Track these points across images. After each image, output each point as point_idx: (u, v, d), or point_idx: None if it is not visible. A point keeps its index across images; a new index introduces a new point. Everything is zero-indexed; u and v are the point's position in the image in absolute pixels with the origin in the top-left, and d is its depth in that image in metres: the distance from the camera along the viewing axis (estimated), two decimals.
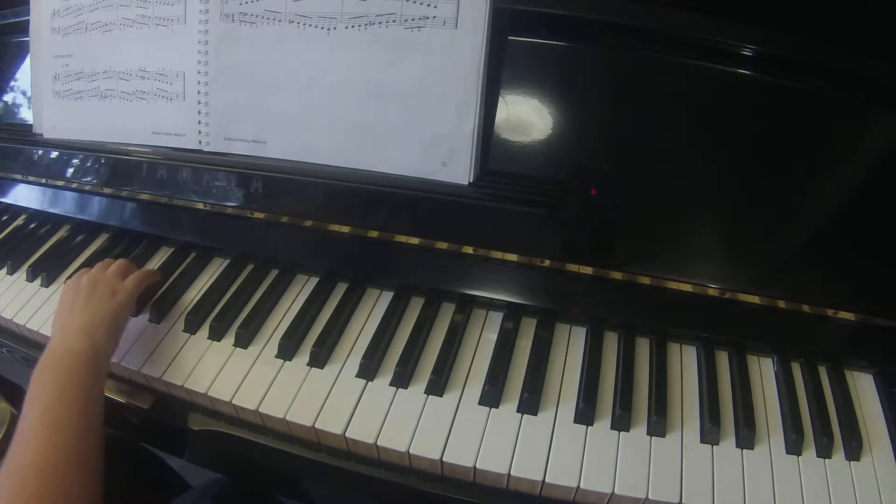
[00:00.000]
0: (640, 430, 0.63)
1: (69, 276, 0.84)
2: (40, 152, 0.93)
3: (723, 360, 0.70)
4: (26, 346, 0.81)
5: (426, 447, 0.61)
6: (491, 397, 0.65)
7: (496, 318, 0.74)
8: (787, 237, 0.67)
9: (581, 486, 0.58)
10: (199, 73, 0.79)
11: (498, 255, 0.72)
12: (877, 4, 0.68)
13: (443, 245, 0.74)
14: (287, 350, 0.71)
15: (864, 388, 0.68)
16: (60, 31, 0.88)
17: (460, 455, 0.61)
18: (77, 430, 0.58)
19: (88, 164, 0.89)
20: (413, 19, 0.68)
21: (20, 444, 0.56)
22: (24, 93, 0.99)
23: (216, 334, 0.74)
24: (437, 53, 0.68)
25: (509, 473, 0.59)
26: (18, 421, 0.59)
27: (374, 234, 0.76)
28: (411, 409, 0.65)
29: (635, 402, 0.64)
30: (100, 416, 0.62)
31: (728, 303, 0.68)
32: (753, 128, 0.67)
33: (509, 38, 0.69)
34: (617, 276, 0.70)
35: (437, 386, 0.66)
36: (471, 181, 0.71)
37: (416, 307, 0.76)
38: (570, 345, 0.71)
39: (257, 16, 0.74)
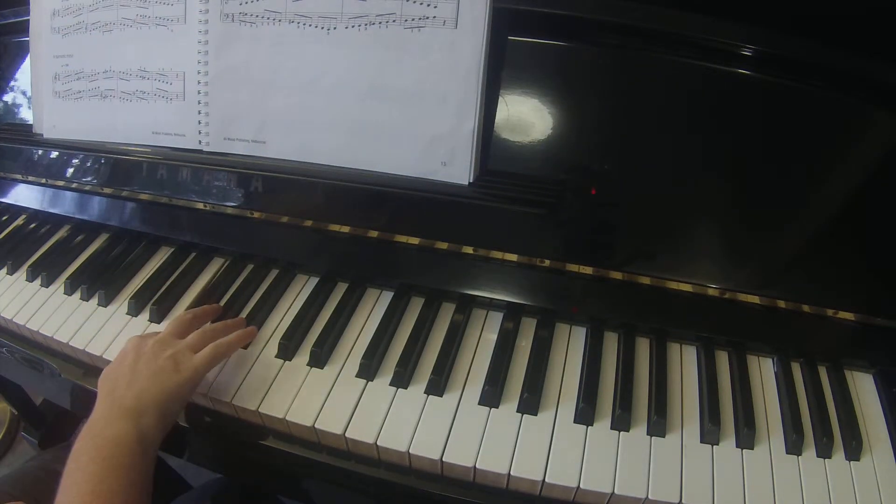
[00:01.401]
0: (640, 430, 0.63)
1: (69, 276, 0.84)
2: (40, 152, 0.93)
3: (723, 360, 0.70)
4: (26, 346, 0.81)
5: (426, 447, 0.61)
6: (491, 397, 0.65)
7: (496, 318, 0.74)
8: (786, 237, 0.67)
9: (581, 486, 0.58)
10: (199, 73, 0.79)
11: (498, 255, 0.72)
12: (877, 4, 0.68)
13: (443, 245, 0.74)
14: (287, 350, 0.71)
15: (864, 388, 0.68)
16: (60, 31, 0.88)
17: (460, 455, 0.61)
18: None
19: (88, 164, 0.89)
20: (413, 19, 0.68)
21: None
22: (24, 93, 0.99)
23: None
24: (436, 53, 0.68)
25: (509, 473, 0.59)
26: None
27: (374, 233, 0.76)
28: (411, 409, 0.65)
29: (635, 402, 0.64)
30: (145, 500, 0.57)
31: (728, 303, 0.68)
32: (753, 128, 0.67)
33: (509, 38, 0.69)
34: (617, 276, 0.70)
35: (437, 386, 0.66)
36: (471, 181, 0.71)
37: (416, 307, 0.76)
38: (570, 345, 0.71)
39: (257, 16, 0.74)
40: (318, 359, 0.70)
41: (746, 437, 0.61)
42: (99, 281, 0.82)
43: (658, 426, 0.62)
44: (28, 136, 0.94)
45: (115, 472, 0.55)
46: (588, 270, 0.70)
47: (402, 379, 0.67)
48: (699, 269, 0.68)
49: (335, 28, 0.71)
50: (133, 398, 0.59)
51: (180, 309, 0.79)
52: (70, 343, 0.76)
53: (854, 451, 0.61)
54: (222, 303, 0.78)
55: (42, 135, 0.93)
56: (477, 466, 0.60)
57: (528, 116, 0.70)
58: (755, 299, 0.68)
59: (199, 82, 0.79)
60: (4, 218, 1.00)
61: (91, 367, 0.77)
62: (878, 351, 0.68)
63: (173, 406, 0.62)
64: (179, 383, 0.62)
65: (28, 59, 0.95)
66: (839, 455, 0.61)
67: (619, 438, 0.62)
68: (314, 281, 0.81)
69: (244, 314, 0.76)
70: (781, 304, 0.67)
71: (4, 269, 0.89)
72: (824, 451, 0.61)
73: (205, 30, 0.77)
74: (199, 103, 0.80)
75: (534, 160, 0.71)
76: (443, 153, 0.71)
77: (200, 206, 0.83)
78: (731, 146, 0.67)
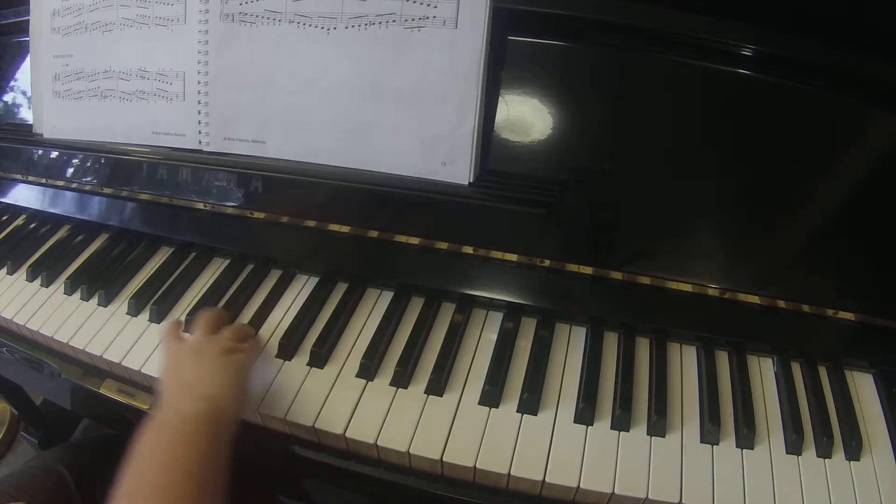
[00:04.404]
0: (640, 430, 0.63)
1: (69, 276, 0.84)
2: (40, 152, 0.93)
3: (723, 360, 0.70)
4: (26, 346, 0.81)
5: (426, 447, 0.61)
6: (491, 397, 0.65)
7: (496, 318, 0.74)
8: (786, 237, 0.67)
9: (581, 485, 0.58)
10: (199, 73, 0.79)
11: (498, 254, 0.72)
12: (877, 4, 0.68)
13: (443, 245, 0.74)
14: (287, 350, 0.71)
15: (864, 388, 0.68)
16: (60, 31, 0.88)
17: (460, 455, 0.61)
18: None
19: (88, 164, 0.89)
20: (413, 19, 0.68)
21: None
22: (24, 93, 0.99)
23: None
24: (437, 53, 0.68)
25: (509, 473, 0.59)
26: (114, 491, 0.51)
27: (374, 233, 0.76)
28: (411, 409, 0.65)
29: (635, 402, 0.64)
30: (218, 479, 0.53)
31: (728, 303, 0.68)
32: (753, 127, 0.67)
33: (509, 38, 0.69)
34: (617, 276, 0.69)
35: (437, 386, 0.66)
36: (471, 181, 0.71)
37: (416, 307, 0.76)
38: (570, 345, 0.71)
39: (257, 16, 0.74)
40: (318, 359, 0.70)
41: (746, 436, 0.61)
42: (99, 281, 0.82)
43: (658, 426, 0.62)
44: (28, 136, 0.94)
45: (181, 442, 0.53)
46: (588, 270, 0.70)
47: (402, 379, 0.67)
48: (699, 269, 0.68)
49: (335, 28, 0.71)
50: (197, 382, 0.60)
51: (180, 309, 0.79)
52: (70, 343, 0.76)
53: (854, 451, 0.61)
54: (222, 303, 0.78)
55: (42, 135, 0.93)
56: (477, 466, 0.60)
57: (528, 116, 0.70)
58: (755, 299, 0.68)
59: (199, 82, 0.79)
60: (4, 218, 1.00)
61: (91, 367, 0.77)
62: (878, 351, 0.68)
63: (240, 383, 0.63)
64: (238, 364, 0.63)
65: (28, 59, 0.95)
66: (839, 455, 0.61)
67: (619, 438, 0.62)
68: (314, 281, 0.81)
69: (244, 314, 0.76)
70: (781, 304, 0.67)
71: (4, 269, 0.89)
72: (824, 451, 0.61)
73: (205, 30, 0.77)
74: (199, 103, 0.80)
75: (534, 160, 0.71)
76: (443, 153, 0.71)
77: (200, 206, 0.83)
78: (730, 146, 0.67)
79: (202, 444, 0.54)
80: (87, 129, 0.89)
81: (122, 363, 0.72)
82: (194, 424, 0.55)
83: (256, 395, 0.67)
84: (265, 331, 0.74)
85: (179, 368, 0.64)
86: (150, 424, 0.56)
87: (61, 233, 0.95)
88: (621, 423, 0.63)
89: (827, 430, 0.62)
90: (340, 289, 0.79)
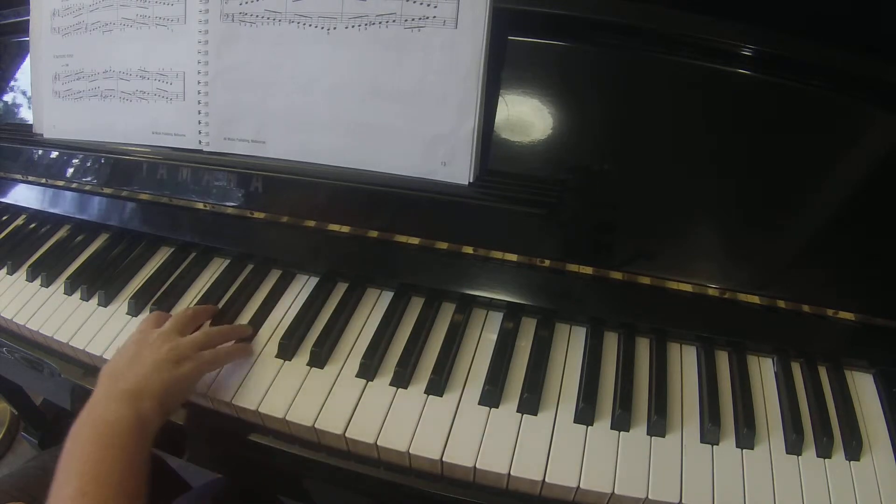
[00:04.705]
0: (640, 430, 0.63)
1: (69, 276, 0.84)
2: (40, 152, 0.93)
3: (723, 360, 0.70)
4: (26, 346, 0.81)
5: (426, 447, 0.61)
6: (491, 397, 0.65)
7: (496, 318, 0.74)
8: (787, 237, 0.67)
9: (581, 485, 0.58)
10: (199, 73, 0.79)
11: (498, 254, 0.72)
12: (876, 4, 0.68)
13: (443, 245, 0.74)
14: (287, 350, 0.71)
15: (864, 388, 0.68)
16: (60, 31, 0.88)
17: (460, 455, 0.61)
18: None
19: (88, 164, 0.89)
20: (413, 19, 0.68)
21: None
22: (24, 93, 0.99)
23: None
24: (437, 53, 0.68)
25: (509, 473, 0.59)
26: (52, 488, 0.54)
27: (374, 233, 0.76)
28: (411, 409, 0.65)
29: (635, 402, 0.64)
30: (142, 487, 0.57)
31: (728, 303, 0.68)
32: (753, 128, 0.67)
33: (509, 38, 0.69)
34: (617, 276, 0.69)
35: (437, 386, 0.66)
36: (471, 181, 0.71)
37: (416, 307, 0.76)
38: (570, 345, 0.71)
39: (257, 16, 0.74)
40: (318, 359, 0.70)
41: (746, 436, 0.61)
42: (99, 281, 0.82)
43: (658, 426, 0.62)
44: (28, 136, 0.94)
45: (111, 453, 0.55)
46: (588, 270, 0.70)
47: (402, 379, 0.67)
48: (699, 269, 0.68)
49: (335, 28, 0.71)
50: (133, 382, 0.61)
51: (180, 309, 0.79)
52: (70, 343, 0.76)
53: (854, 450, 0.61)
54: (222, 303, 0.78)
55: (42, 135, 0.93)
56: (477, 466, 0.60)
57: (528, 116, 0.70)
58: (755, 299, 0.68)
59: (199, 82, 0.79)
60: (4, 218, 1.00)
61: (91, 367, 0.77)
62: (878, 351, 0.68)
63: (173, 396, 0.63)
64: (181, 376, 0.63)
65: (28, 59, 0.95)
66: (839, 455, 0.61)
67: (619, 438, 0.62)
68: (314, 281, 0.81)
69: (244, 314, 0.76)
70: (781, 304, 0.67)
71: (4, 269, 0.89)
72: (824, 451, 0.61)
73: (205, 30, 0.77)
74: (199, 103, 0.80)
75: (534, 160, 0.71)
76: (443, 153, 0.71)
77: (200, 206, 0.83)
78: (730, 146, 0.67)
79: (131, 452, 0.56)
80: (87, 129, 0.89)
81: None
82: (125, 435, 0.57)
83: (257, 394, 0.67)
84: (265, 331, 0.75)
85: (128, 358, 0.64)
86: (84, 423, 0.57)
87: (61, 233, 0.95)
88: (621, 423, 0.63)
89: (827, 430, 0.62)
90: (340, 289, 0.79)
